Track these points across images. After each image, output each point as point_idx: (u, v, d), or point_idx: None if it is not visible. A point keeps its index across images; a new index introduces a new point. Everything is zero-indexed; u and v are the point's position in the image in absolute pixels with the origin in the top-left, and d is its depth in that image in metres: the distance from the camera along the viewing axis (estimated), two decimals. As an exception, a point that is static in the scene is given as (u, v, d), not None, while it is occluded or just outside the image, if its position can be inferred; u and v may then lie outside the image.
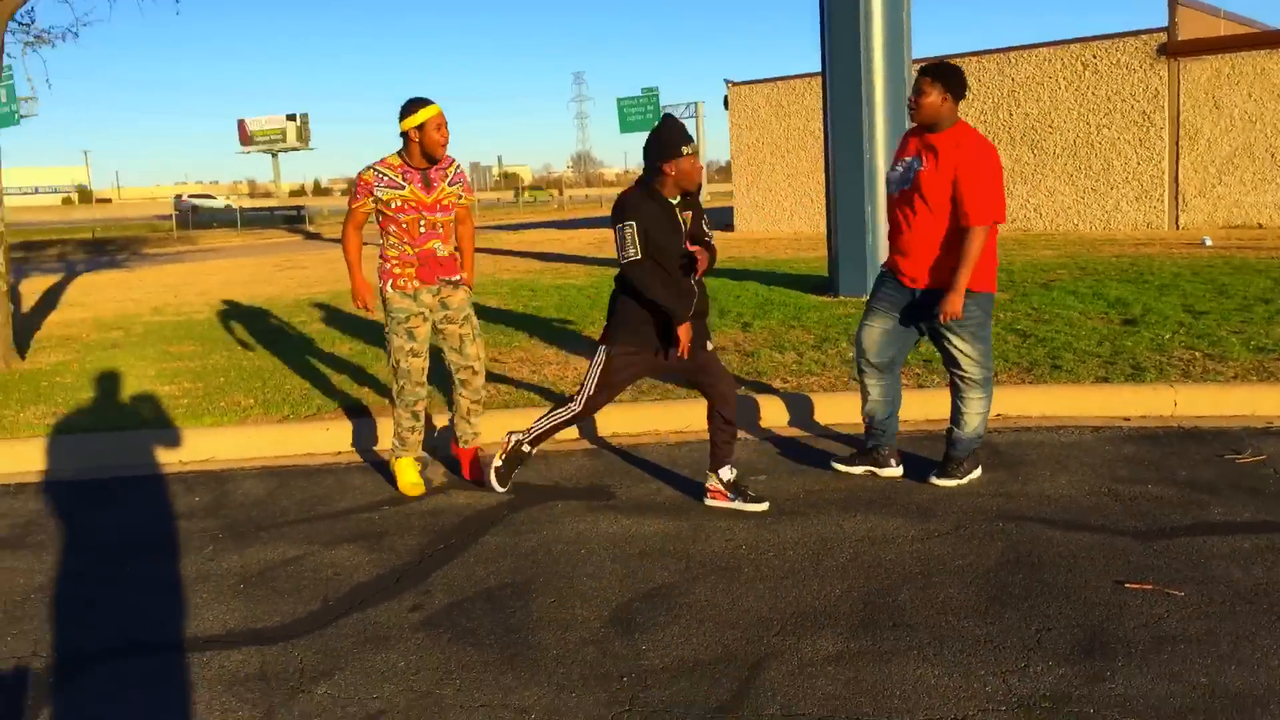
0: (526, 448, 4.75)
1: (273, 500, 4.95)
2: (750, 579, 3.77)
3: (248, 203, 69.10)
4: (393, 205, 4.71)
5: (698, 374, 4.53)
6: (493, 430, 5.84)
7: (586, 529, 4.37)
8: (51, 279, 18.67)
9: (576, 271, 14.78)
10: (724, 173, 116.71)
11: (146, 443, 5.74)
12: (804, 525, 4.30)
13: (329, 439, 5.80)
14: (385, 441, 5.77)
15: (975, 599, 3.52)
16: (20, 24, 9.97)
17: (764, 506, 4.54)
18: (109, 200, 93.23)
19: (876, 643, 3.23)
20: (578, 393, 4.62)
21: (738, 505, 4.56)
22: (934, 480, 4.78)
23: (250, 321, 10.70)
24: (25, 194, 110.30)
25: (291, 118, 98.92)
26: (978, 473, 4.82)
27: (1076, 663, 3.05)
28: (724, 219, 27.78)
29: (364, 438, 5.84)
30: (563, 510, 4.62)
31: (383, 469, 5.39)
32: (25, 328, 11.02)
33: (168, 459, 5.70)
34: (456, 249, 5.02)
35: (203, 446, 5.74)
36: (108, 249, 30.64)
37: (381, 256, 4.86)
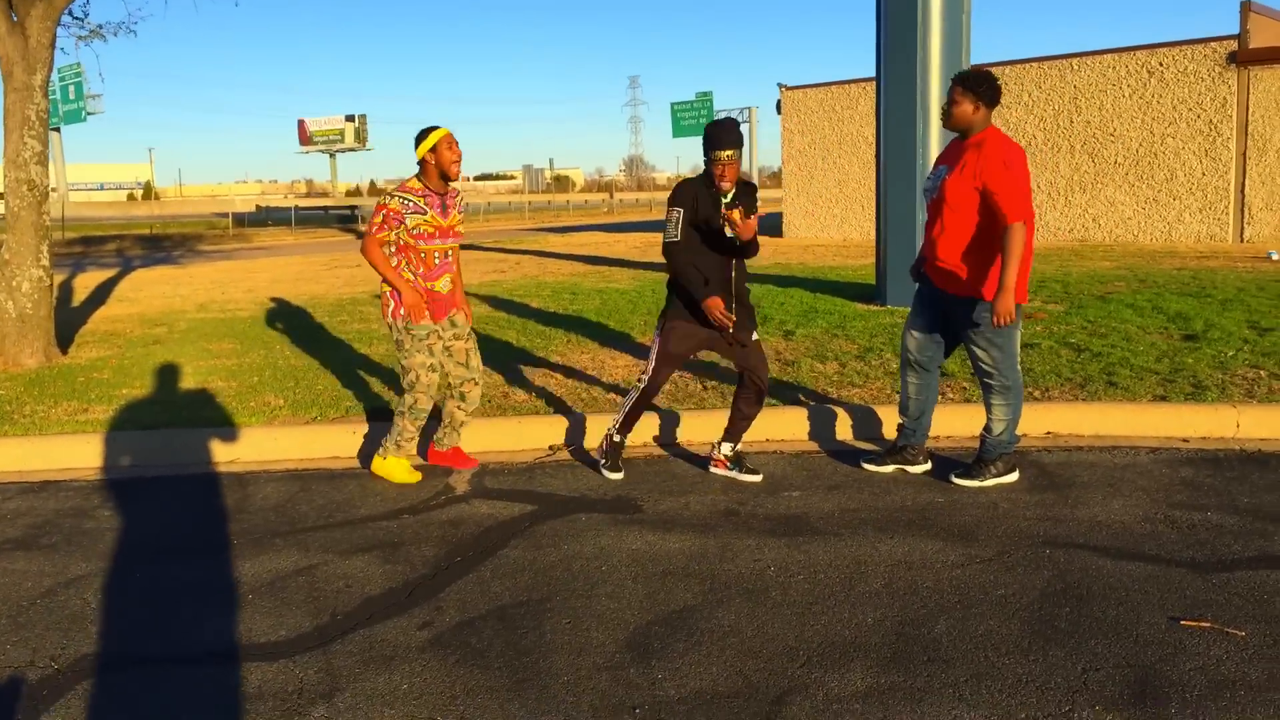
0: (617, 437, 5.12)
1: (292, 505, 4.84)
2: (777, 603, 3.57)
3: (304, 202, 70.01)
4: (417, 231, 4.90)
5: (744, 357, 4.92)
6: (510, 436, 5.70)
7: (609, 544, 4.19)
8: (106, 273, 18.95)
9: (621, 275, 14.63)
10: (775, 179, 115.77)
11: (172, 442, 5.67)
12: (837, 546, 4.08)
13: (355, 442, 5.69)
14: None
15: (1018, 633, 3.28)
16: (74, 18, 10.04)
17: (758, 478, 4.99)
18: (158, 198, 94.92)
19: (909, 678, 3.01)
20: (643, 373, 4.99)
21: (735, 475, 5.04)
22: (954, 478, 4.84)
23: (291, 320, 10.68)
24: (91, 190, 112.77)
25: (350, 119, 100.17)
26: (1009, 478, 4.81)
27: (1126, 708, 2.81)
28: (773, 224, 27.49)
29: (391, 442, 5.71)
30: (586, 523, 4.45)
31: (407, 475, 5.27)
32: (72, 322, 11.12)
33: (192, 459, 5.63)
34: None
35: (228, 447, 5.66)
36: (164, 245, 31.15)
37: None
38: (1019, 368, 4.72)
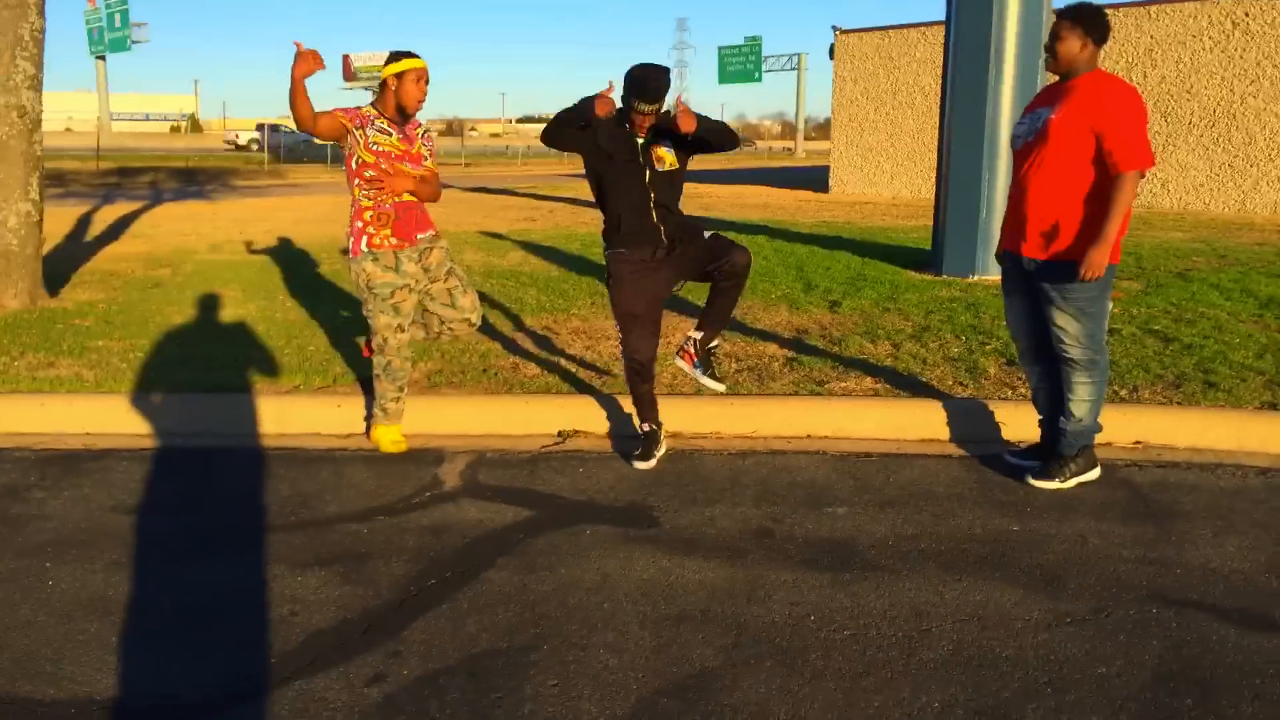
0: (643, 426, 4.57)
1: (253, 496, 4.17)
2: (818, 671, 2.85)
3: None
4: (378, 148, 4.42)
5: (708, 254, 4.31)
6: (514, 419, 4.99)
7: (616, 570, 3.48)
8: (132, 206, 18.41)
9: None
10: (821, 130, 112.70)
11: (133, 409, 5.02)
12: (893, 589, 3.35)
13: (338, 417, 5.01)
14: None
15: (1128, 737, 2.54)
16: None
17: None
18: (203, 130, 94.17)
19: (989, 805, 2.29)
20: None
21: (697, 375, 4.60)
22: (1030, 480, 4.20)
23: (303, 266, 10.02)
24: (136, 120, 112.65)
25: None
26: (1090, 475, 4.20)
27: None
28: (819, 178, 26.44)
29: (380, 418, 5.03)
30: (591, 539, 3.75)
31: (389, 460, 4.59)
32: (77, 257, 10.54)
33: (152, 430, 4.98)
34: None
35: (196, 416, 5.00)
36: (198, 179, 30.62)
37: (354, 215, 4.52)
38: (1106, 342, 4.14)
